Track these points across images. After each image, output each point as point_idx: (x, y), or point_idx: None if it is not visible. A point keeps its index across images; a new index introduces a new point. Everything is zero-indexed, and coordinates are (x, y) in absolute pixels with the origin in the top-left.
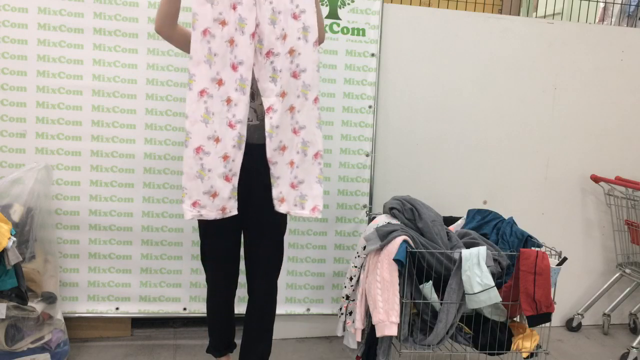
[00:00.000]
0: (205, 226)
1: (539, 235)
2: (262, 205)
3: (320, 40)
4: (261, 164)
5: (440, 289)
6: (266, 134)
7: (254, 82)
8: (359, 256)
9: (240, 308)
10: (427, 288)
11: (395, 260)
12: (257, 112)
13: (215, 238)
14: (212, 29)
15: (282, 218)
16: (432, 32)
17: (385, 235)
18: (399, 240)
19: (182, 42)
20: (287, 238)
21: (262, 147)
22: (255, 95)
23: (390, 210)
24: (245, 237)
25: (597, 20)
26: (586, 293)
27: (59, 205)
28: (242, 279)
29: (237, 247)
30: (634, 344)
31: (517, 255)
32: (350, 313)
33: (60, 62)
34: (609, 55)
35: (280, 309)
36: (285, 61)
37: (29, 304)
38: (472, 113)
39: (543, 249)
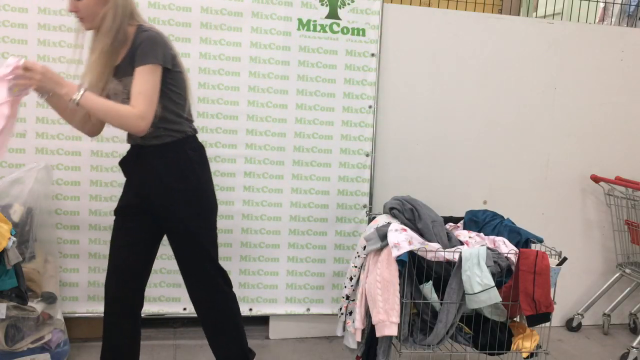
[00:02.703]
0: None
1: (538, 235)
2: None
3: None
4: None
5: (440, 289)
6: None
7: None
8: (359, 256)
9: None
10: (427, 288)
11: (397, 259)
12: None
13: None
14: None
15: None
16: (432, 32)
17: (385, 235)
18: None
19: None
20: (287, 238)
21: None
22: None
23: (390, 210)
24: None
25: (597, 20)
26: (586, 293)
27: (59, 205)
28: (242, 278)
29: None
30: (634, 344)
31: (517, 255)
32: (350, 313)
33: (60, 62)
34: (609, 55)
35: (280, 309)
36: None
37: (29, 304)
38: (472, 113)
39: (543, 249)
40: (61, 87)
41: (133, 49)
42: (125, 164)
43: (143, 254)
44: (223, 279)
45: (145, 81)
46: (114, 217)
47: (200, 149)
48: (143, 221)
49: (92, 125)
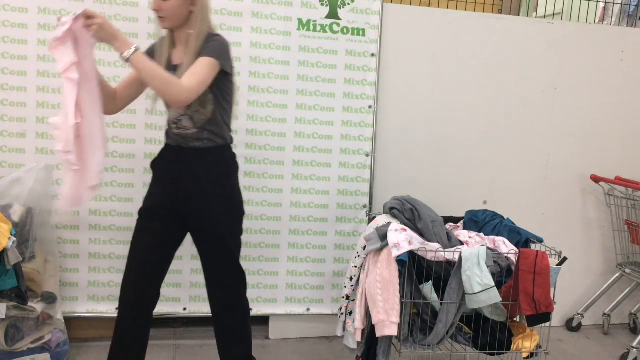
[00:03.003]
0: None
1: (538, 235)
2: None
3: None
4: None
5: (440, 289)
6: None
7: None
8: (359, 256)
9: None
10: (427, 288)
11: (397, 259)
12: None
13: None
14: None
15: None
16: (432, 32)
17: (385, 235)
18: None
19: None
20: (287, 238)
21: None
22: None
23: (390, 210)
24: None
25: (597, 20)
26: (586, 293)
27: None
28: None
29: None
30: (634, 344)
31: (517, 255)
32: (350, 313)
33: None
34: (609, 55)
35: (280, 309)
36: None
37: (29, 304)
38: (472, 113)
39: (543, 249)
40: (116, 40)
41: (201, 50)
42: (159, 164)
43: (164, 255)
44: (243, 284)
45: (203, 67)
46: (114, 217)
47: (234, 157)
48: (167, 223)
49: (113, 106)
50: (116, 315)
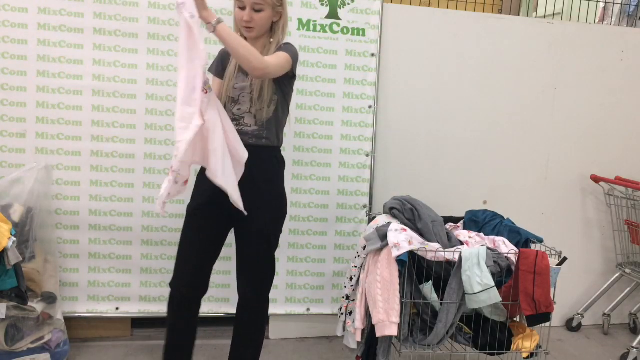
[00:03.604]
0: None
1: (538, 235)
2: None
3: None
4: None
5: (440, 289)
6: None
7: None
8: (359, 256)
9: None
10: (427, 288)
11: (397, 259)
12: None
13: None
14: None
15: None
16: (432, 32)
17: (385, 235)
18: None
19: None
20: (287, 238)
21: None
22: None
23: (390, 210)
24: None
25: (597, 20)
26: (586, 293)
27: (59, 205)
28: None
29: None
30: (634, 344)
31: (517, 255)
32: (350, 313)
33: (60, 62)
34: (609, 55)
35: (280, 309)
36: None
37: (29, 304)
38: (472, 113)
39: (543, 249)
40: (203, 10)
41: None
42: None
43: (215, 252)
44: (272, 280)
45: (280, 56)
46: (114, 217)
47: (283, 160)
48: (217, 220)
49: None
50: (167, 315)
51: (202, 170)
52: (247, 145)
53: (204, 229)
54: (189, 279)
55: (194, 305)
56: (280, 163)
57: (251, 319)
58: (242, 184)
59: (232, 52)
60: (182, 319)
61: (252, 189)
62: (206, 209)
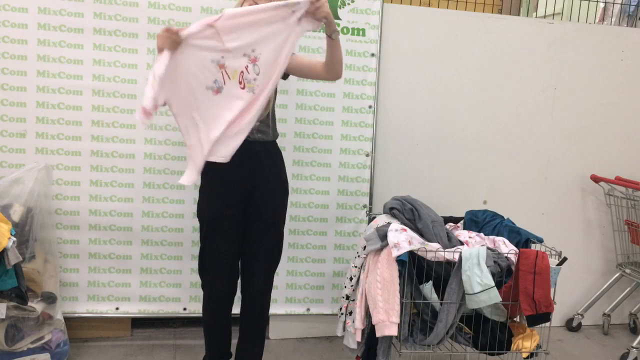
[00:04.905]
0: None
1: (538, 235)
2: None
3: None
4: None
5: (440, 289)
6: None
7: None
8: (359, 256)
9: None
10: (427, 288)
11: (397, 259)
12: None
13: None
14: None
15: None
16: (432, 32)
17: (385, 235)
18: None
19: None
20: (287, 238)
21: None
22: None
23: (390, 210)
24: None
25: (597, 20)
26: (586, 293)
27: (59, 205)
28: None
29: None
30: (634, 344)
31: (517, 255)
32: (350, 313)
33: (60, 62)
34: (609, 55)
35: (280, 309)
36: None
37: (29, 304)
38: (472, 113)
39: (543, 249)
40: (333, 23)
41: None
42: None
43: (238, 248)
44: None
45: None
46: (114, 217)
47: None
48: (237, 219)
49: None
50: (205, 315)
51: (214, 177)
52: (251, 141)
53: (229, 235)
54: (229, 277)
55: (228, 316)
56: (281, 156)
57: (258, 308)
58: (257, 178)
59: (336, 57)
60: (226, 316)
61: (267, 182)
62: (225, 212)
